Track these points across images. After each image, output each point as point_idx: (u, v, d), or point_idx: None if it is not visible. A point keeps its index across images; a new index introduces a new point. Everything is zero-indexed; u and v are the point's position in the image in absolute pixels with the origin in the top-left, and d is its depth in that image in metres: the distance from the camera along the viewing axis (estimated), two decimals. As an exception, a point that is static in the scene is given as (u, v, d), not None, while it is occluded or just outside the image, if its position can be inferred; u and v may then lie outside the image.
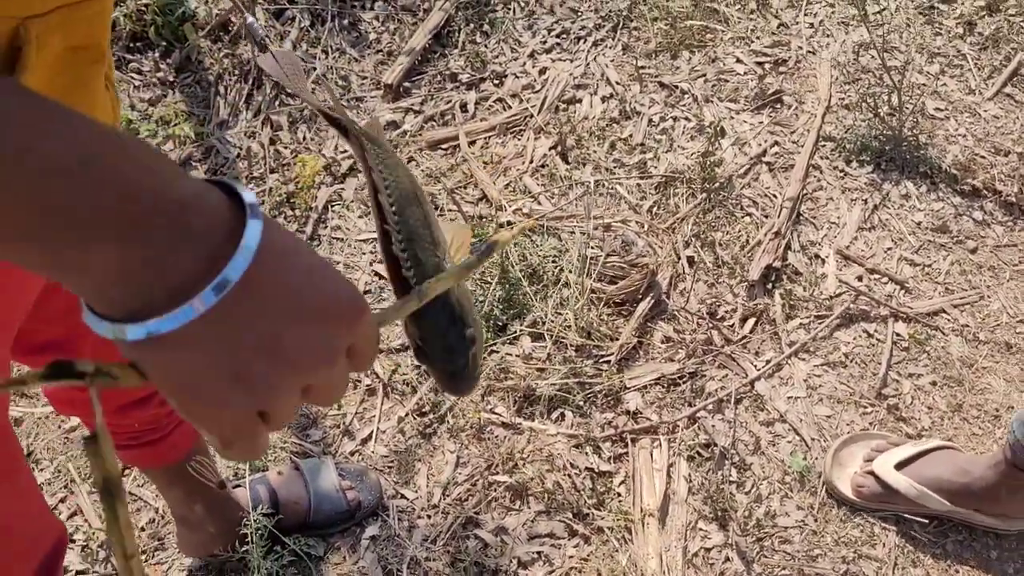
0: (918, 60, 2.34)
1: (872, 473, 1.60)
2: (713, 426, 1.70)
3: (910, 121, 2.13)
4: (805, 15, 2.47)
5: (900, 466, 1.59)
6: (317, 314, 0.47)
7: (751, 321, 1.86)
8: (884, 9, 2.47)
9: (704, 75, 2.31)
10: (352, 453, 1.67)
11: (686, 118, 2.23)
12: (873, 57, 2.34)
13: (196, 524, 1.45)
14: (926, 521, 1.60)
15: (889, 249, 1.99)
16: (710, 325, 1.84)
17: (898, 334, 1.85)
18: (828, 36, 2.41)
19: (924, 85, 2.29)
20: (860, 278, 1.93)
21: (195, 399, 0.46)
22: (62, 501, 1.62)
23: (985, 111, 2.26)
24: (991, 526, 1.59)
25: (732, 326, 1.85)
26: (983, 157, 2.15)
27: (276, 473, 1.56)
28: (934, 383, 1.80)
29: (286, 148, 2.15)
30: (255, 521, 1.43)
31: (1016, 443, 1.45)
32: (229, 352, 0.45)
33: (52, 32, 0.62)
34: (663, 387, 1.76)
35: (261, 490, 1.51)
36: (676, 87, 2.28)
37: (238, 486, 1.52)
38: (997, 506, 1.56)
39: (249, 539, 1.43)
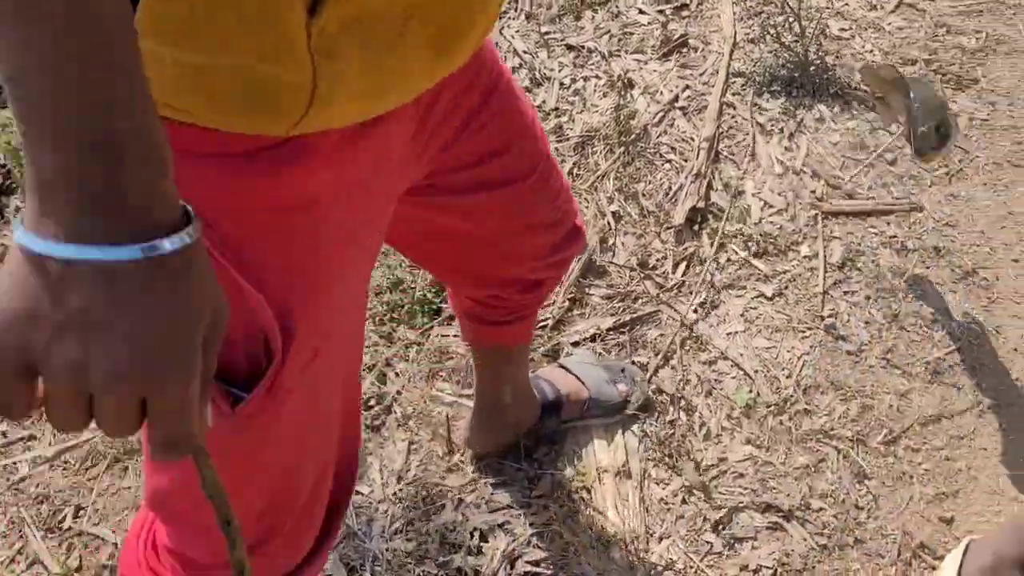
0: (817, -16, 2.35)
1: None
2: (657, 374, 1.71)
3: (814, 45, 2.14)
4: (702, -43, 2.47)
5: None
6: (172, 343, 0.50)
7: (683, 265, 1.87)
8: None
9: (609, 31, 2.31)
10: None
11: (596, 76, 2.23)
12: (773, -12, 2.34)
13: (500, 412, 1.52)
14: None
15: (814, 175, 2.00)
16: (642, 275, 1.85)
17: (830, 262, 1.86)
18: (726, -26, 2.42)
19: (826, 7, 2.30)
20: (785, 208, 1.94)
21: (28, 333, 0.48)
22: (19, 552, 1.61)
23: (889, 24, 2.27)
24: None
25: (664, 273, 1.86)
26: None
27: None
28: (868, 297, 1.81)
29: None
30: None
31: None
32: (99, 314, 0.48)
33: None
34: (604, 341, 1.76)
35: (544, 385, 1.61)
36: (583, 47, 2.28)
37: None
38: None
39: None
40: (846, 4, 2.31)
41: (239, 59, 0.60)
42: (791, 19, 2.14)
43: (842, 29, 2.26)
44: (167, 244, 0.49)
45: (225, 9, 0.57)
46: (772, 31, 2.17)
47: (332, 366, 0.85)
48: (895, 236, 1.90)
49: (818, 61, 2.13)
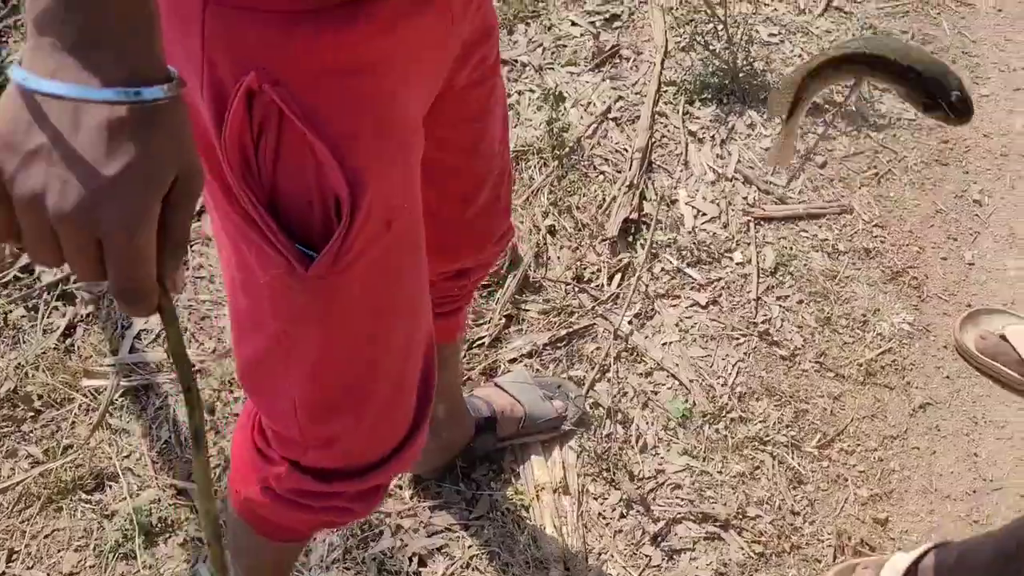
0: (746, -10, 2.37)
1: (1003, 336, 1.68)
2: (594, 387, 1.72)
3: (743, 52, 2.16)
4: (632, -34, 2.48)
5: None
6: (123, 189, 0.53)
7: (617, 277, 1.87)
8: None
9: (542, 44, 2.31)
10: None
11: (530, 90, 2.23)
12: (704, -5, 2.36)
13: (433, 430, 1.35)
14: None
15: (746, 181, 2.02)
16: (578, 289, 1.85)
17: (763, 266, 1.88)
18: (657, -17, 2.43)
19: (755, 13, 2.32)
20: (718, 216, 1.96)
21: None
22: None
23: (817, 27, 2.30)
24: None
25: (599, 285, 1.86)
26: (820, 73, 2.18)
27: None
28: (801, 301, 1.83)
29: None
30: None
31: None
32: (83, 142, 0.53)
33: None
34: (540, 357, 1.76)
35: (478, 403, 1.60)
36: (516, 61, 2.28)
37: None
38: None
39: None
40: (775, 9, 2.33)
41: None
42: (719, 27, 2.16)
43: (771, 34, 2.28)
44: (144, 93, 0.54)
45: None
46: (701, 39, 2.18)
47: (408, 243, 0.89)
48: (826, 239, 1.92)
49: (748, 67, 2.15)
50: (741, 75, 2.15)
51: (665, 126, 2.13)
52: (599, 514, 1.58)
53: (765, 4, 2.35)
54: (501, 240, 1.24)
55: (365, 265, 0.82)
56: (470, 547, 1.55)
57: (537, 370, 1.75)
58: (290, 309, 0.84)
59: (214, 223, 0.88)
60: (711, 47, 2.18)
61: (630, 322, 1.80)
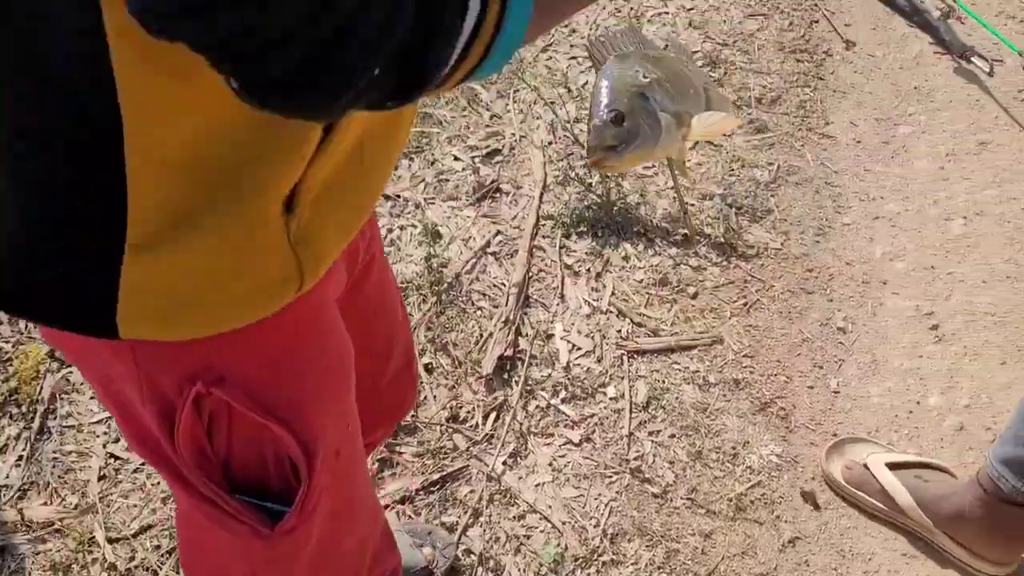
0: (621, 125, 2.46)
1: (865, 465, 1.70)
2: (467, 532, 1.69)
3: (617, 185, 2.23)
4: (514, 102, 2.57)
5: (893, 467, 1.68)
6: None
7: (492, 416, 1.87)
8: (587, 83, 2.60)
9: (424, 179, 2.36)
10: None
11: (412, 225, 2.26)
12: (581, 131, 2.44)
13: None
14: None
15: (620, 314, 2.06)
16: (452, 430, 1.85)
17: (635, 401, 1.90)
18: (537, 119, 2.51)
19: (631, 147, 2.41)
20: (593, 350, 1.98)
21: None
22: None
23: (689, 160, 2.39)
24: (959, 557, 1.63)
25: (475, 425, 1.86)
26: (692, 204, 2.26)
27: None
28: (673, 436, 1.85)
29: (6, 343, 2.06)
30: None
31: (989, 480, 1.52)
32: None
33: None
34: (414, 503, 1.74)
35: None
36: (399, 196, 2.32)
37: None
38: (968, 538, 1.60)
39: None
40: (649, 142, 2.42)
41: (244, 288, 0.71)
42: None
43: (646, 167, 2.36)
44: None
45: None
46: (572, 174, 2.25)
47: (356, 453, 0.95)
48: (697, 371, 1.95)
49: (620, 201, 2.22)
50: (615, 209, 2.21)
51: (543, 260, 2.17)
52: (468, 670, 1.54)
53: (640, 138, 2.44)
54: (408, 408, 1.33)
55: (325, 497, 0.88)
56: None
57: (410, 516, 1.73)
58: (260, 556, 0.90)
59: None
60: (586, 181, 2.25)
61: (504, 463, 1.80)
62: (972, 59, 2.54)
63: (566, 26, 2.72)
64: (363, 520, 1.04)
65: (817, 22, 2.75)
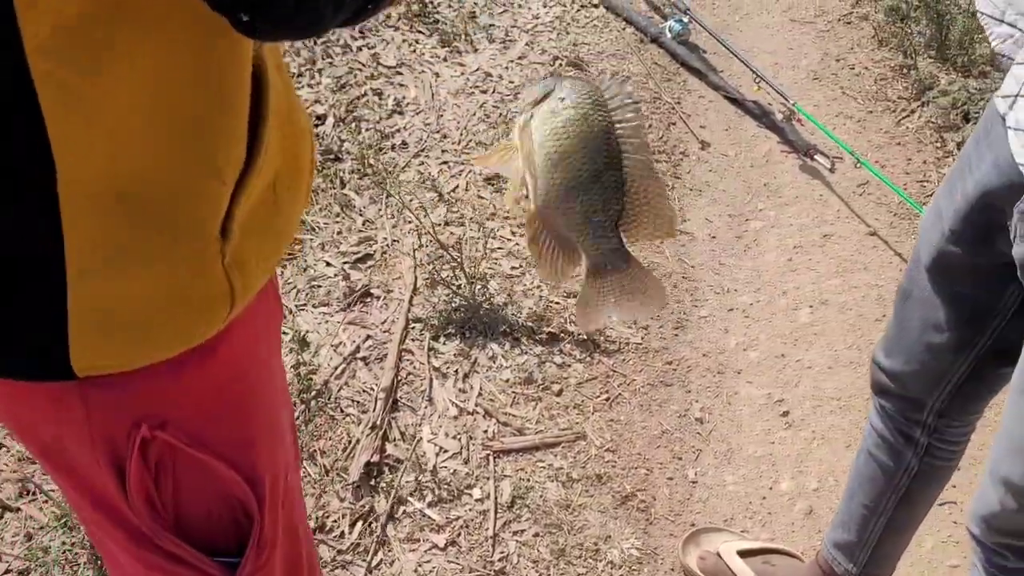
0: (489, 226, 2.55)
1: (718, 554, 1.76)
2: (331, 647, 1.69)
3: (481, 287, 2.30)
4: (387, 207, 2.64)
5: (744, 555, 1.74)
6: None
7: (359, 524, 1.88)
8: (457, 187, 2.69)
9: (296, 286, 2.39)
10: None
11: (284, 332, 2.28)
12: (452, 233, 2.53)
13: None
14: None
15: (486, 414, 2.10)
16: (318, 541, 1.85)
17: (500, 501, 1.94)
18: (409, 223, 2.59)
19: (499, 248, 2.50)
20: (459, 452, 2.02)
21: None
22: None
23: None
24: None
25: (341, 534, 1.86)
26: (556, 303, 2.35)
27: None
28: (537, 535, 1.88)
29: None
30: None
31: (826, 563, 1.60)
32: None
33: None
34: (277, 621, 1.72)
35: None
36: (270, 304, 2.35)
37: None
38: None
39: None
40: (516, 244, 2.52)
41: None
42: (455, 267, 2.31)
43: (513, 268, 2.45)
44: None
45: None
46: (437, 277, 2.32)
47: (296, 468, 0.98)
48: (561, 468, 2.01)
49: (487, 302, 2.29)
50: (482, 310, 2.28)
51: (411, 363, 2.21)
52: None
53: (507, 239, 2.53)
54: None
55: (280, 529, 0.90)
56: None
57: (273, 633, 1.71)
58: None
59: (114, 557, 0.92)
60: (453, 284, 2.32)
61: (370, 572, 1.80)
62: (815, 157, 2.74)
63: (437, 131, 2.82)
64: (306, 533, 1.04)
65: (675, 123, 2.92)
